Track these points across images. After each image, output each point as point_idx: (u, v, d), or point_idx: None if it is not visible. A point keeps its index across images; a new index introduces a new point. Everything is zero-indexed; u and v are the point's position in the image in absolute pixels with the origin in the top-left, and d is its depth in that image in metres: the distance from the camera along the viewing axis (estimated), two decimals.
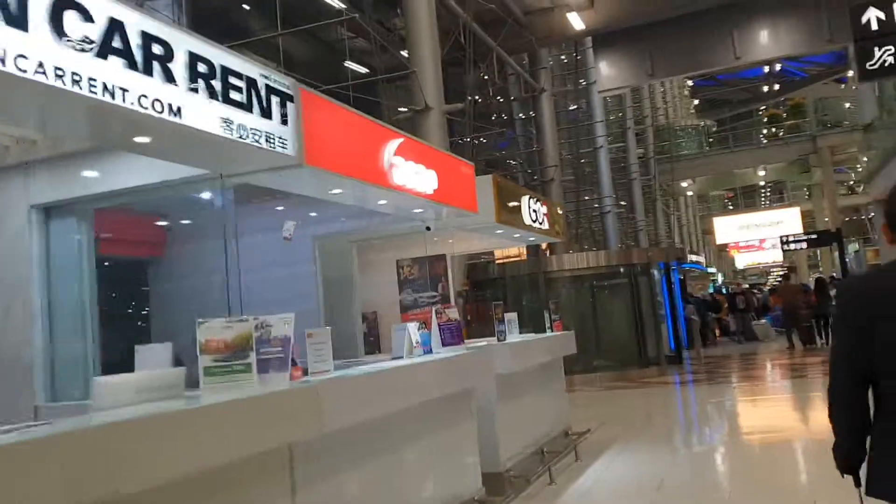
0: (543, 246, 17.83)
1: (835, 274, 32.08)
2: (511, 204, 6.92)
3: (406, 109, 12.90)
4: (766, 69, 60.14)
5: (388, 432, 4.11)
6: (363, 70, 17.46)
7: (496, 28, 16.54)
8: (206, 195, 4.38)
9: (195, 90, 3.09)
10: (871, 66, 7.66)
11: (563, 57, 25.21)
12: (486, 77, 19.82)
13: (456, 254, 9.39)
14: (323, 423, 3.23)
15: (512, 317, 6.47)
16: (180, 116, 3.00)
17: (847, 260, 29.84)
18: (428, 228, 5.84)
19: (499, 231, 7.10)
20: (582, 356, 14.99)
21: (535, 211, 7.66)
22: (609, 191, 25.12)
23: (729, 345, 22.06)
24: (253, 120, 3.43)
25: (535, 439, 6.83)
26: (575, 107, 25.01)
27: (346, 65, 16.05)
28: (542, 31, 18.09)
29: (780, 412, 10.15)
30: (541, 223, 7.94)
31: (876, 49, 7.66)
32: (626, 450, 7.63)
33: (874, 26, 7.72)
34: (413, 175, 4.87)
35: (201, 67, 3.13)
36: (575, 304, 15.10)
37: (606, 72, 19.93)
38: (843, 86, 45.21)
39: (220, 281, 4.56)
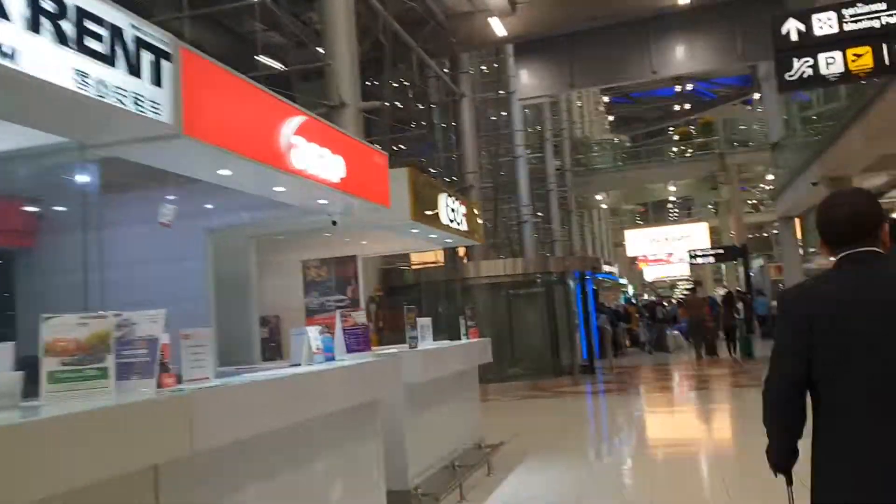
0: (461, 252, 17.52)
1: (739, 288, 33.22)
2: (428, 201, 6.45)
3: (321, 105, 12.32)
4: (678, 88, 62.54)
5: (278, 449, 3.57)
6: (277, 65, 16.74)
7: (417, 29, 16.16)
8: (77, 174, 3.75)
9: (36, 30, 2.51)
10: (790, 76, 7.60)
11: (483, 67, 25.11)
12: (406, 82, 19.47)
13: (368, 255, 8.87)
14: (195, 440, 2.68)
15: (425, 322, 6.02)
16: (13, 60, 2.41)
17: (751, 275, 30.84)
18: (334, 223, 5.31)
19: (414, 230, 6.61)
20: (497, 365, 14.72)
21: (453, 210, 7.22)
22: (527, 200, 25.11)
23: (639, 355, 22.30)
24: (117, 76, 2.86)
25: (447, 453, 6.39)
26: (495, 118, 24.90)
27: (258, 59, 15.31)
28: (463, 35, 17.84)
29: (689, 423, 10.09)
30: (459, 224, 7.49)
31: (795, 60, 7.59)
32: (541, 462, 7.29)
33: (794, 38, 7.64)
34: (317, 159, 4.32)
35: (47, 3, 2.55)
36: (492, 312, 14.80)
37: (527, 80, 19.87)
38: (749, 107, 47.23)
39: (95, 276, 3.94)
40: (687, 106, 57.24)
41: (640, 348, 23.71)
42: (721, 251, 33.00)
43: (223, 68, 3.58)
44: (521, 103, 22.22)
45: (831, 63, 7.45)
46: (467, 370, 6.69)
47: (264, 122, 3.88)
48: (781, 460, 2.19)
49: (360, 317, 5.10)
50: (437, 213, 6.79)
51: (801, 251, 23.45)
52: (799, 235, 23.77)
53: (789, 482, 2.23)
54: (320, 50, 12.68)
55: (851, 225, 2.09)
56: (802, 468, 2.15)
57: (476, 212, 8.59)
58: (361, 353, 4.93)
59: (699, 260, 33.31)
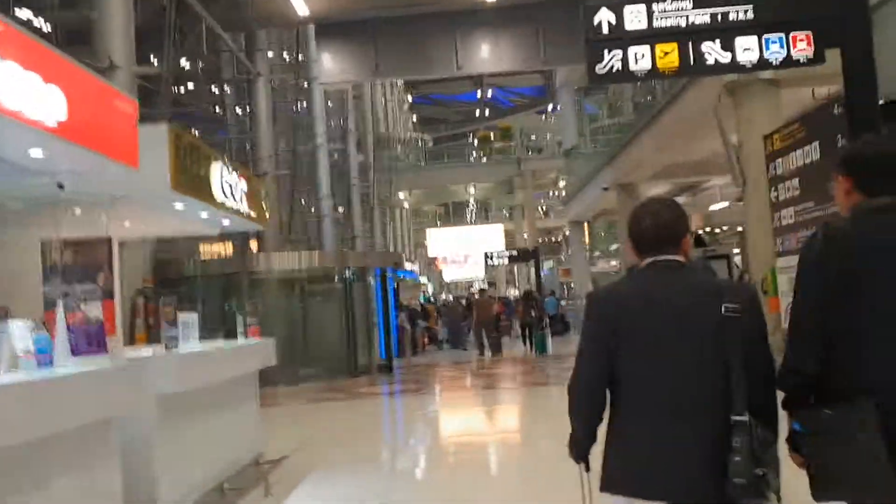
0: (253, 245, 16.23)
1: (531, 288, 34.65)
2: (196, 169, 5.27)
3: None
4: (479, 94, 64.82)
5: None
6: (43, 26, 14.47)
7: None
8: None
9: None
10: (600, 69, 7.30)
11: (284, 53, 23.76)
12: (197, 57, 17.75)
13: (131, 238, 7.51)
14: None
15: (189, 319, 4.94)
16: None
17: (542, 276, 32.11)
18: (60, 186, 4.10)
19: (178, 205, 5.44)
20: (290, 365, 13.68)
21: (230, 185, 6.08)
22: (328, 193, 24.12)
23: (437, 353, 22.15)
24: None
25: (216, 473, 5.35)
26: (297, 111, 23.68)
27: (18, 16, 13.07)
28: (261, 10, 16.51)
29: (487, 422, 9.77)
30: (239, 202, 6.39)
31: (605, 52, 7.30)
32: (328, 477, 6.44)
33: (605, 30, 7.33)
34: (17, 86, 3.11)
35: None
36: (286, 309, 13.73)
37: (330, 65, 18.89)
38: (543, 117, 49.65)
39: None
40: (487, 112, 59.31)
41: (438, 346, 23.62)
42: (515, 253, 34.22)
43: None
44: (324, 88, 21.21)
45: (640, 58, 7.24)
46: (244, 376, 5.66)
47: None
48: (582, 449, 2.30)
49: (94, 310, 3.98)
50: (208, 186, 5.65)
51: (587, 254, 24.58)
52: (587, 240, 24.97)
53: (587, 468, 2.33)
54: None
55: (657, 235, 2.22)
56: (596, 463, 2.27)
57: (263, 192, 7.49)
58: (95, 356, 3.83)
59: (495, 261, 34.25)
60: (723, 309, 2.08)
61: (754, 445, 2.02)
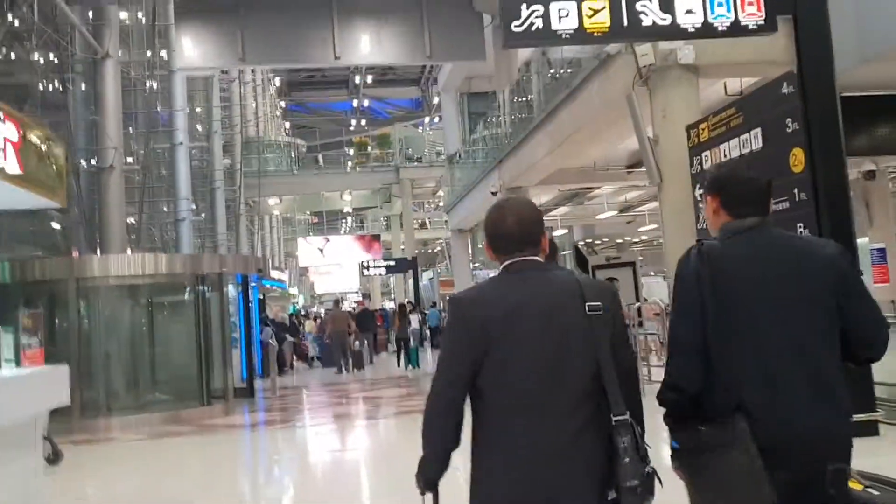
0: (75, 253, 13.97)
1: (409, 300, 33.66)
2: None
3: None
4: (355, 103, 63.77)
5: None
6: None
7: None
8: None
9: None
10: (517, 26, 6.02)
11: (137, 34, 21.29)
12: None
13: None
14: None
15: None
16: None
17: (421, 287, 30.90)
18: None
19: None
20: (127, 391, 11.55)
21: None
22: (187, 195, 21.78)
23: (306, 371, 20.26)
24: None
25: None
26: (156, 102, 21.24)
27: None
28: None
29: (368, 466, 8.19)
30: (2, 162, 4.28)
31: (524, 7, 5.96)
32: None
33: None
34: None
35: None
36: (125, 323, 11.62)
37: (191, 49, 16.76)
38: (421, 129, 48.90)
39: None
40: (363, 122, 58.46)
41: (308, 364, 21.73)
42: (392, 263, 32.86)
43: None
44: (185, 74, 19.06)
45: (564, 16, 6.01)
46: (9, 427, 3.77)
47: None
48: (434, 474, 2.14)
49: None
50: None
51: (471, 263, 23.61)
52: (470, 249, 24.02)
53: (436, 499, 2.15)
54: None
55: (520, 234, 2.16)
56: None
57: (57, 152, 5.48)
58: None
59: (371, 271, 32.77)
60: (587, 308, 2.06)
61: (639, 443, 2.00)
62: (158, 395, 11.79)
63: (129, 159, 18.94)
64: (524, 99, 14.30)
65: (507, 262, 2.14)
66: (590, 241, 28.27)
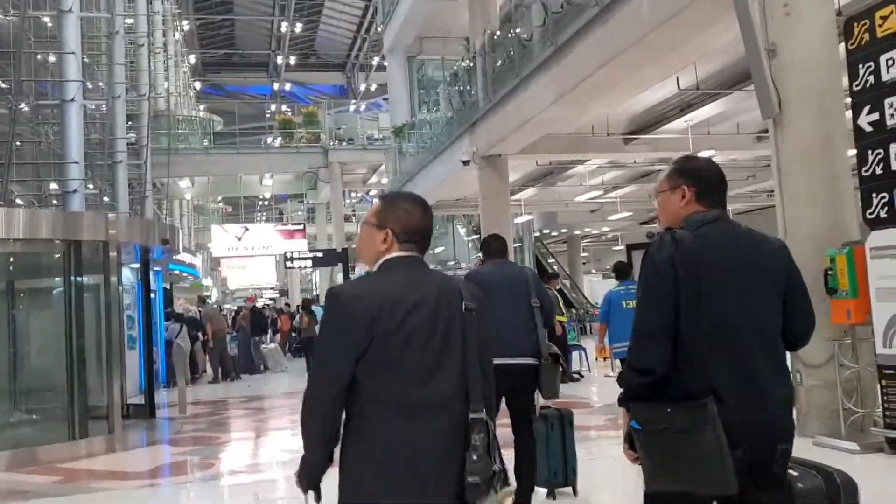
0: None
1: (308, 296, 30.77)
2: None
3: None
4: (276, 87, 60.22)
5: None
6: None
7: None
8: None
9: None
10: None
11: None
12: None
13: None
14: None
15: None
16: None
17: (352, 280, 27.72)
18: None
19: None
20: None
21: None
22: (79, 162, 18.00)
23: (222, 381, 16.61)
24: None
25: None
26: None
27: None
28: None
29: None
30: None
31: None
32: None
33: None
34: None
35: None
36: None
37: None
38: (350, 111, 45.76)
39: None
40: (284, 108, 55.29)
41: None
42: (320, 255, 29.46)
43: None
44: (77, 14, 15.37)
45: None
46: None
47: None
48: (318, 472, 2.10)
49: None
50: None
51: None
52: None
53: (318, 498, 2.11)
54: None
55: (422, 230, 2.16)
56: None
57: None
58: None
59: (295, 264, 29.45)
60: (464, 307, 2.09)
61: (490, 441, 2.02)
62: (18, 422, 8.23)
63: None
64: (513, 34, 11.38)
65: (394, 256, 2.12)
66: (547, 231, 25.82)
